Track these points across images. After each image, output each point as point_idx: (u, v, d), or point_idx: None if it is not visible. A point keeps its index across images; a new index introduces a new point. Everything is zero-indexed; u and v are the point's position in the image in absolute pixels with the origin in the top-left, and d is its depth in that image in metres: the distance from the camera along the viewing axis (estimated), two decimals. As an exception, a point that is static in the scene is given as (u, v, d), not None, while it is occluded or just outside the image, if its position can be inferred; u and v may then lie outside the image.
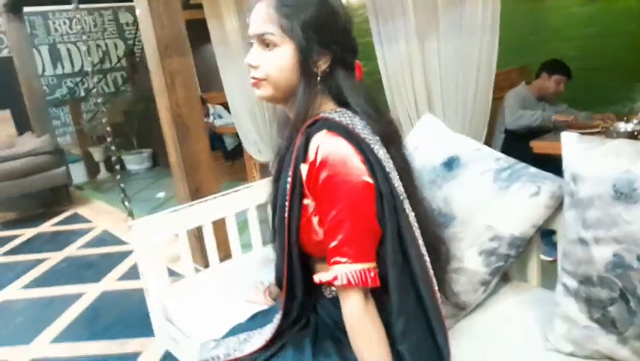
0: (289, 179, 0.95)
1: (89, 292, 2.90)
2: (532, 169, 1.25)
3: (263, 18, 0.93)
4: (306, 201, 0.94)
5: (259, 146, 4.14)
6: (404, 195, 0.95)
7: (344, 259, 0.88)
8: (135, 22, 7.51)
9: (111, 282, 3.03)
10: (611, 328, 0.99)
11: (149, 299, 1.61)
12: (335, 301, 1.03)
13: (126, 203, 2.68)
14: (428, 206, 1.06)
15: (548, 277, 1.30)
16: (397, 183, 0.94)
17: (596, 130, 2.43)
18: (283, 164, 1.03)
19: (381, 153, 0.93)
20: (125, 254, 3.43)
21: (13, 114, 5.50)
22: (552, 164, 1.36)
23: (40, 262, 3.49)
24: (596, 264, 1.00)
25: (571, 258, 1.06)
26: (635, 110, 2.58)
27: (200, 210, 1.70)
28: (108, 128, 3.32)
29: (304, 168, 0.92)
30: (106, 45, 7.46)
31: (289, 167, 0.97)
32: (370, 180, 0.89)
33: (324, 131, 0.91)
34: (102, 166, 6.34)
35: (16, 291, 3.06)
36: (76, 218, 4.56)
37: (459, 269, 1.19)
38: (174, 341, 1.52)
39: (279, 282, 1.13)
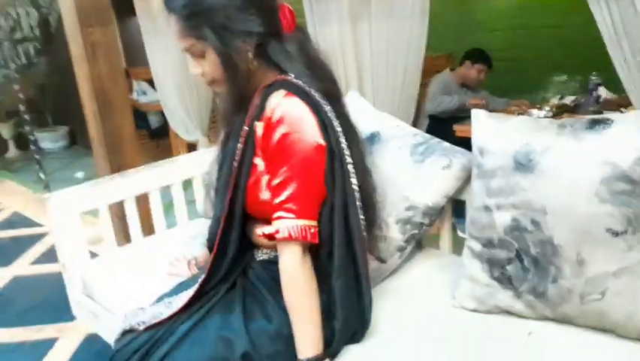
0: (241, 138, 0.99)
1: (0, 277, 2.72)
2: (446, 144, 1.34)
3: (179, 34, 0.97)
4: (256, 160, 0.98)
5: (186, 124, 4.04)
6: (350, 159, 1.00)
7: (288, 215, 0.93)
8: (50, -10, 6.98)
9: (24, 266, 2.85)
10: (508, 284, 1.11)
11: (66, 276, 1.56)
12: (265, 263, 1.08)
13: (41, 175, 2.51)
14: (368, 170, 1.12)
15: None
16: (345, 147, 0.99)
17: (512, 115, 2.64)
18: (232, 128, 1.06)
19: (333, 116, 0.98)
20: (39, 237, 3.23)
21: None
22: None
23: (-59, 245, 3.22)
24: (497, 228, 1.11)
25: (476, 224, 1.16)
26: (547, 99, 2.82)
27: (124, 184, 1.66)
28: (22, 101, 3.09)
29: (260, 126, 0.96)
30: (17, 13, 6.86)
31: (240, 128, 1.00)
32: (323, 142, 0.94)
33: (283, 92, 0.95)
34: (11, 144, 5.89)
35: None
36: (-18, 199, 4.22)
37: (378, 236, 1.26)
38: (95, 317, 1.48)
39: (210, 244, 1.14)
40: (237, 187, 1.01)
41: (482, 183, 1.15)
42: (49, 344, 2.06)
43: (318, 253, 0.98)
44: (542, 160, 1.05)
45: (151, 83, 4.59)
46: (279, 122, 0.93)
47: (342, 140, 1.00)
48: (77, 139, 6.15)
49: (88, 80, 2.48)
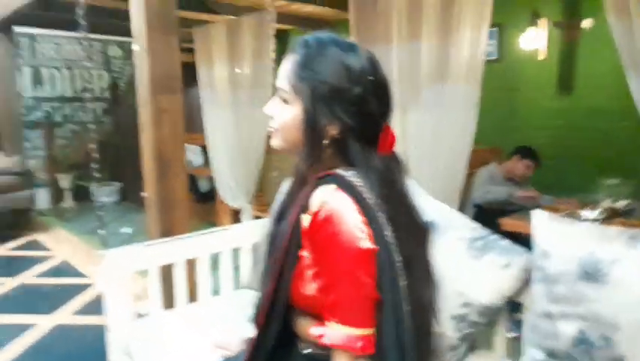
0: (288, 227, 0.96)
1: (41, 324, 2.75)
2: (505, 242, 1.31)
3: (284, 74, 0.97)
4: (302, 252, 0.94)
5: (234, 192, 4.16)
6: (402, 267, 0.94)
7: (335, 319, 0.88)
8: (123, 57, 7.60)
9: (66, 315, 2.89)
10: (573, 403, 1.03)
11: (109, 334, 1.56)
12: (309, 358, 1.03)
13: (100, 231, 2.60)
14: (427, 288, 1.02)
15: (510, 351, 1.35)
16: (397, 256, 0.93)
17: (561, 214, 2.57)
18: (287, 208, 1.04)
19: (386, 223, 0.93)
20: (83, 287, 3.29)
21: (-17, 131, 5.40)
22: (518, 242, 1.42)
23: (-8, 286, 3.32)
24: (562, 339, 1.05)
25: (538, 331, 1.11)
26: (596, 201, 2.74)
27: (174, 248, 1.69)
28: (85, 156, 3.27)
29: (306, 219, 0.92)
30: (90, 75, 7.47)
31: (289, 214, 0.98)
32: (372, 246, 0.89)
33: (334, 187, 0.92)
34: (68, 194, 6.18)
35: (-38, 315, 2.89)
36: (35, 244, 4.38)
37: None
38: (132, 382, 1.46)
39: (255, 322, 1.11)
40: (282, 278, 0.96)
41: (544, 288, 1.11)
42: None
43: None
44: (612, 271, 1.01)
45: (203, 148, 4.81)
46: (326, 220, 0.88)
47: (396, 253, 0.93)
48: (127, 195, 6.40)
49: (151, 142, 2.62)
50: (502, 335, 1.37)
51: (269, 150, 4.11)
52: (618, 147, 3.15)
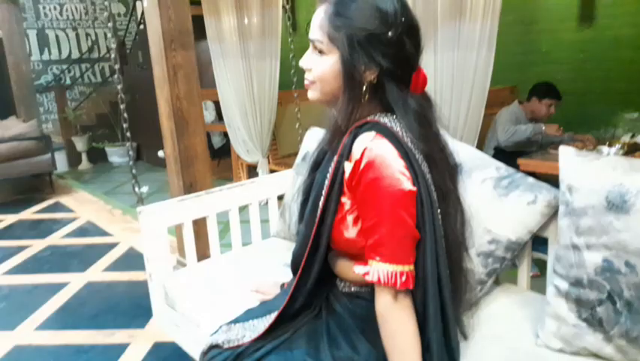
0: (329, 175, 1.00)
1: (74, 282, 2.89)
2: (530, 179, 1.34)
3: (317, 24, 0.98)
4: (343, 199, 0.99)
5: (248, 146, 4.19)
6: (437, 204, 0.99)
7: (378, 258, 0.93)
8: (128, 14, 7.46)
9: (97, 272, 3.02)
10: (598, 327, 1.08)
11: (151, 285, 1.65)
12: (351, 297, 1.10)
13: (137, 189, 2.67)
14: (458, 222, 1.08)
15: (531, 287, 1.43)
16: (434, 195, 0.98)
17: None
18: (323, 158, 1.09)
19: (425, 167, 0.98)
20: (110, 246, 3.42)
21: (-4, 97, 5.44)
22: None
23: (22, 248, 3.46)
24: (587, 268, 1.10)
25: (563, 262, 1.15)
26: (616, 135, 2.72)
27: (205, 202, 1.75)
28: (96, 117, 3.30)
29: (348, 166, 0.96)
30: (95, 34, 7.39)
31: (330, 163, 1.02)
32: (413, 188, 0.93)
33: (373, 134, 0.95)
34: (84, 156, 6.27)
35: (-3, 276, 3.04)
36: (58, 207, 4.51)
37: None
38: (176, 327, 1.56)
39: (294, 267, 1.18)
40: (323, 223, 1.02)
41: (571, 221, 1.15)
42: (120, 348, 2.17)
43: (413, 297, 0.97)
44: (638, 201, 1.04)
45: (216, 104, 4.80)
46: (368, 166, 0.92)
47: (433, 191, 0.98)
48: (142, 155, 6.47)
49: (167, 100, 2.63)
50: (526, 269, 1.43)
51: (282, 102, 4.10)
52: (640, 79, 3.09)
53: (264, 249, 1.82)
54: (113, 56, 2.77)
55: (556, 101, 2.96)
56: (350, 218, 1.00)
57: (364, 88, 0.97)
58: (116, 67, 2.65)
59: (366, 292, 1.07)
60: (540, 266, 2.40)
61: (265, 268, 1.59)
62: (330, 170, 1.01)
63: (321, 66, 0.99)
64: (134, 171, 2.43)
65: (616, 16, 3.14)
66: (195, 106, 2.75)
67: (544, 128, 2.82)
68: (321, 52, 0.99)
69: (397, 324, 0.94)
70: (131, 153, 2.79)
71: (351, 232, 1.01)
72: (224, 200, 1.79)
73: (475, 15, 2.44)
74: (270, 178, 1.95)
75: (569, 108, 3.03)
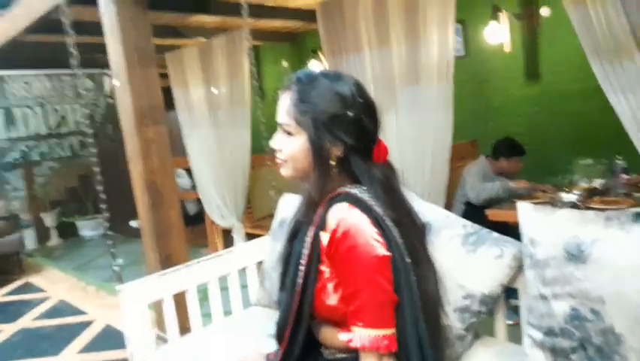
0: (308, 245, 1.06)
1: (48, 367, 2.78)
2: (495, 234, 1.42)
3: (284, 109, 1.08)
4: (322, 268, 1.05)
5: (222, 211, 4.21)
6: (411, 267, 1.05)
7: (360, 323, 0.98)
8: (94, 88, 7.57)
9: (72, 355, 2.91)
10: (574, 374, 1.13)
11: (133, 366, 1.62)
12: None
13: (115, 268, 2.64)
14: (432, 282, 1.14)
15: (510, 336, 1.49)
16: (407, 258, 1.05)
17: (543, 200, 2.69)
18: (299, 228, 1.15)
19: (396, 233, 1.05)
20: (85, 325, 3.32)
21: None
22: (506, 231, 1.53)
23: (-9, 334, 3.32)
24: (557, 317, 1.16)
25: (535, 312, 1.22)
26: (574, 182, 2.88)
27: (185, 275, 1.76)
28: (65, 191, 3.29)
29: (325, 236, 1.03)
30: (64, 109, 7.42)
31: (306, 233, 1.08)
32: (387, 253, 1.00)
33: (346, 204, 1.03)
34: (54, 232, 6.14)
35: (-35, 366, 2.90)
36: (28, 287, 4.37)
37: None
38: (160, 408, 1.53)
39: (279, 337, 1.20)
40: (305, 292, 1.06)
41: (536, 273, 1.22)
42: None
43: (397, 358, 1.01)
44: (593, 251, 1.12)
45: (187, 170, 4.84)
46: (344, 235, 0.99)
47: (406, 255, 1.05)
48: (114, 226, 6.36)
49: (141, 174, 2.67)
50: (502, 320, 1.48)
51: (254, 166, 4.18)
52: (590, 127, 3.30)
53: (246, 319, 1.82)
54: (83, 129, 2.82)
55: (521, 157, 3.12)
56: (330, 286, 1.05)
57: (332, 163, 1.06)
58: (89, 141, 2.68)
59: (352, 357, 1.10)
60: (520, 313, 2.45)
61: (248, 339, 1.59)
62: (308, 240, 1.07)
63: (291, 146, 1.08)
64: (112, 250, 2.41)
65: (561, 72, 3.41)
66: (169, 178, 2.80)
67: (511, 184, 2.94)
68: (289, 134, 1.08)
69: None
70: (105, 224, 2.78)
71: (332, 299, 1.05)
72: (204, 272, 1.81)
73: (430, 78, 2.62)
74: (247, 246, 1.98)
75: (525, 158, 3.20)
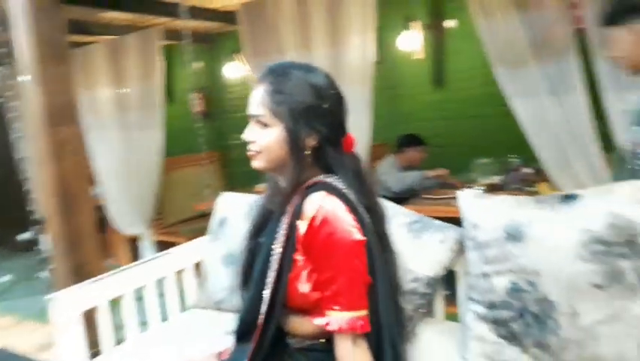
0: (282, 235, 1.07)
1: None
2: (437, 222, 1.54)
3: (258, 101, 1.08)
4: (296, 257, 1.06)
5: (129, 218, 3.98)
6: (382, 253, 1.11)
7: (337, 307, 1.01)
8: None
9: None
10: (514, 340, 1.27)
11: (66, 380, 1.49)
12: (305, 351, 1.14)
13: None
14: (396, 266, 1.20)
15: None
16: (378, 243, 1.10)
17: (452, 196, 2.94)
18: (264, 221, 1.15)
19: (367, 216, 1.09)
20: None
21: None
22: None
23: None
24: (498, 291, 1.29)
25: (477, 289, 1.34)
26: (474, 179, 3.19)
27: (121, 280, 1.66)
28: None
29: (303, 225, 1.04)
30: None
31: (278, 224, 1.09)
32: (363, 238, 1.04)
33: (324, 193, 1.05)
34: None
35: None
36: None
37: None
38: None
39: (241, 334, 1.18)
40: (279, 282, 1.07)
41: (478, 253, 1.35)
42: None
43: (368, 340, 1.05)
44: (529, 231, 1.27)
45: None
46: (323, 222, 1.02)
47: (376, 240, 1.10)
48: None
49: (53, 178, 2.46)
50: (440, 302, 1.60)
51: (167, 171, 4.01)
52: (489, 130, 3.65)
53: (186, 321, 1.76)
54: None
55: (423, 147, 3.39)
56: (304, 273, 1.07)
57: (307, 153, 1.08)
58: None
59: (320, 343, 1.12)
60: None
61: (194, 341, 1.54)
62: (283, 230, 1.08)
63: (266, 138, 1.08)
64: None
65: (464, 79, 3.75)
66: (83, 183, 2.60)
67: (430, 173, 3.22)
68: (264, 125, 1.08)
69: None
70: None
71: (304, 286, 1.07)
72: (140, 276, 1.72)
73: (351, 81, 2.75)
74: (184, 248, 1.91)
75: (433, 159, 3.47)
